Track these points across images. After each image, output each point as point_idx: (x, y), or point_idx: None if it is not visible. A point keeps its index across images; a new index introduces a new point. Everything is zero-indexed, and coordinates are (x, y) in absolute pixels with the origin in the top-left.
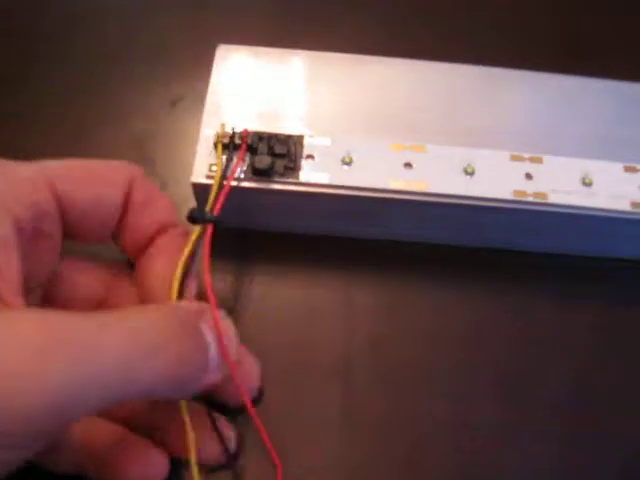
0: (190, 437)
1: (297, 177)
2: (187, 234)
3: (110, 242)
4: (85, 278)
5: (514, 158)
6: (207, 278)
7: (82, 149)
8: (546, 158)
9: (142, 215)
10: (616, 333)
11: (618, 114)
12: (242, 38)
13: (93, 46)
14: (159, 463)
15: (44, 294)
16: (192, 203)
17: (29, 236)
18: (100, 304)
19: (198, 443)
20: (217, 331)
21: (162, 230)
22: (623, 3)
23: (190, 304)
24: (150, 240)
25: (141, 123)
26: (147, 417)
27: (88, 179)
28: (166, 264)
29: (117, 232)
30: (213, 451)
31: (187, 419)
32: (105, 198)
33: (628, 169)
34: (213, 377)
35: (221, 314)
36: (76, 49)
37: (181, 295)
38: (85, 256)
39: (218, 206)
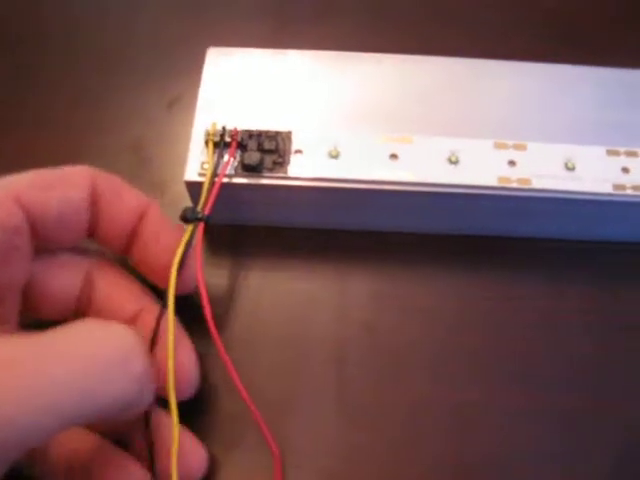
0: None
1: (286, 171)
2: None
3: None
4: (60, 275)
5: (498, 146)
6: (199, 276)
7: (83, 155)
8: (529, 145)
9: (113, 206)
10: (605, 314)
11: (598, 99)
12: (235, 39)
13: (89, 53)
14: (140, 477)
15: (23, 296)
16: (189, 202)
17: (0, 251)
18: (81, 298)
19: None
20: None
21: (140, 217)
22: None
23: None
24: (132, 231)
25: (139, 126)
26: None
27: (51, 185)
28: (164, 248)
29: (95, 232)
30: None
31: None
32: (71, 199)
33: (610, 152)
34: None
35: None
36: (72, 57)
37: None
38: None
39: (210, 204)
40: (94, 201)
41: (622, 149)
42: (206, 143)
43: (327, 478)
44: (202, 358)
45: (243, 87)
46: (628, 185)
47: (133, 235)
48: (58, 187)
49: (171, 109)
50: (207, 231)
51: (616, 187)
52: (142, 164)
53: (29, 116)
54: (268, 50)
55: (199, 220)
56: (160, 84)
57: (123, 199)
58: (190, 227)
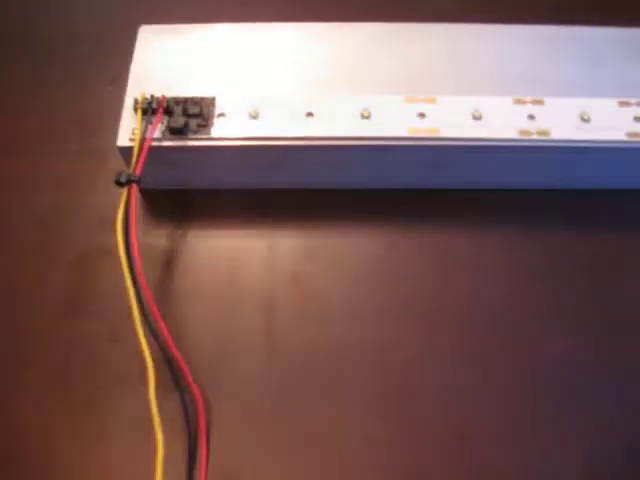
0: None
1: (209, 133)
2: None
3: None
4: None
5: (409, 100)
6: (134, 239)
7: (35, 133)
8: (439, 98)
9: None
10: (523, 258)
11: (506, 54)
12: (167, 16)
13: (35, 40)
14: None
15: None
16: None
17: None
18: None
19: None
20: None
21: None
22: None
23: None
24: None
25: (84, 103)
26: None
27: None
28: None
29: None
30: None
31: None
32: None
33: (517, 101)
34: None
35: None
36: (20, 47)
37: None
38: None
39: (140, 165)
40: None
41: (529, 98)
42: (135, 111)
43: (258, 418)
44: None
45: (172, 60)
46: (533, 130)
47: None
48: None
49: (113, 86)
50: (146, 196)
51: (522, 132)
52: (87, 137)
53: None
54: (195, 25)
55: (131, 182)
56: (102, 64)
57: None
58: (125, 191)
